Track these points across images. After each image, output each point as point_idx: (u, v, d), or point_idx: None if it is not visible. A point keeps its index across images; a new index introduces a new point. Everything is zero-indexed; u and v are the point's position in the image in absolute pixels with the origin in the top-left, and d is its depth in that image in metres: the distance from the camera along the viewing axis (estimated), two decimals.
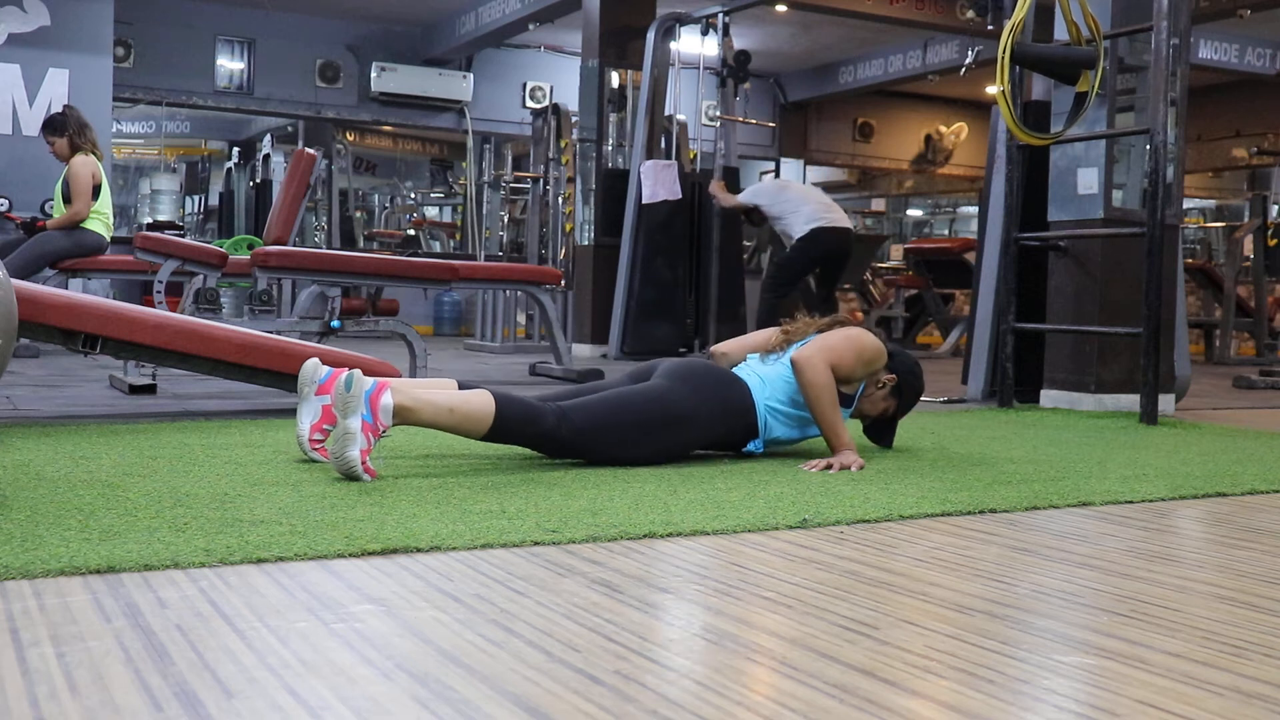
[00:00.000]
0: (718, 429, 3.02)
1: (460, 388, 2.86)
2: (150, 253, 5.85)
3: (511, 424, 2.72)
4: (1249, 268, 10.57)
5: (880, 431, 3.38)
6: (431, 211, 15.94)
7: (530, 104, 13.13)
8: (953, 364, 8.49)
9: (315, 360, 2.84)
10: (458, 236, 14.98)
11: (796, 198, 7.33)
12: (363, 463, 2.50)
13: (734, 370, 3.15)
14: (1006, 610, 1.66)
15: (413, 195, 15.94)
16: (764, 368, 3.15)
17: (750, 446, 3.09)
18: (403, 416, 2.60)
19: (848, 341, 3.11)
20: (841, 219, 7.31)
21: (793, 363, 3.04)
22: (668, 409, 2.90)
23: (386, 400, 2.56)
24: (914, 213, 19.82)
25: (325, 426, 2.76)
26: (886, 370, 3.24)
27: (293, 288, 8.17)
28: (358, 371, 2.58)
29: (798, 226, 7.18)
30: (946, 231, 18.92)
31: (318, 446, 2.76)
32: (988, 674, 1.35)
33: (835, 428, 3.03)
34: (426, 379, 3.02)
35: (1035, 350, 5.20)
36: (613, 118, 9.09)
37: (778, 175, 13.80)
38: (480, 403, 2.69)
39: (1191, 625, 1.60)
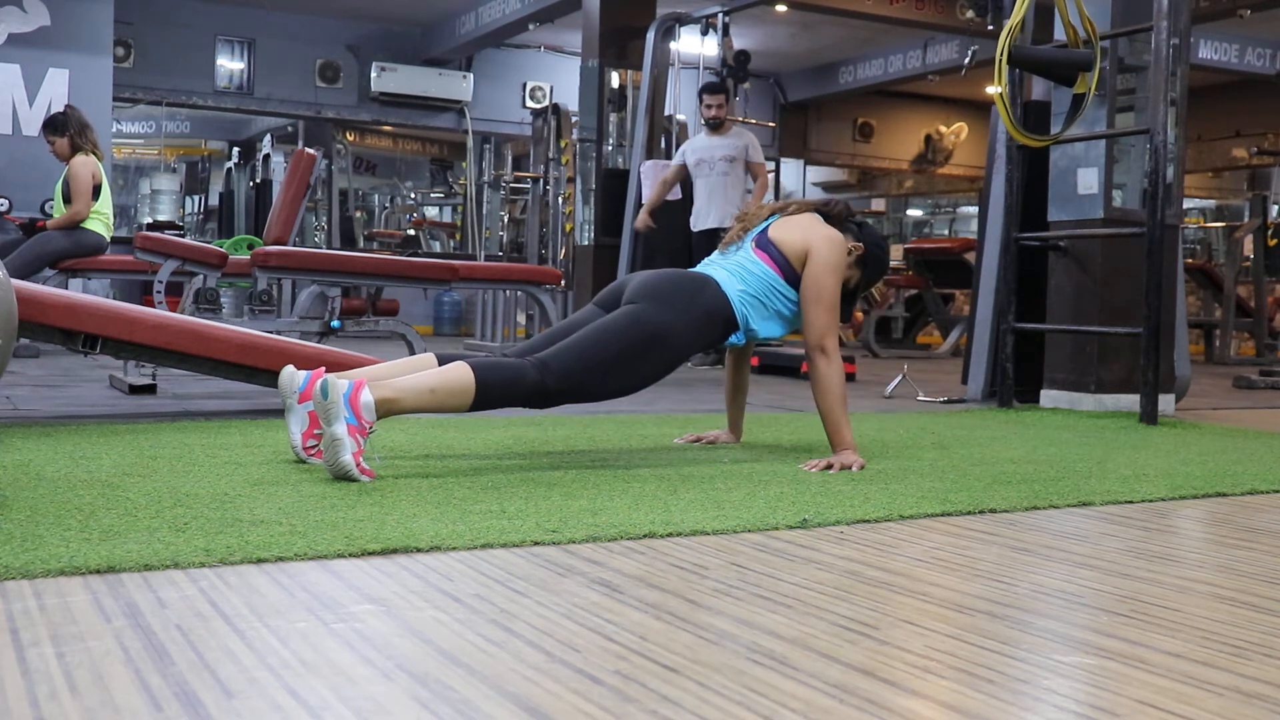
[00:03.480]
0: (699, 334, 3.01)
1: (440, 361, 2.84)
2: (150, 253, 5.85)
3: (494, 390, 2.71)
4: (1249, 268, 10.57)
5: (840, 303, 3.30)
6: (431, 211, 15.95)
7: (530, 104, 13.13)
8: (953, 364, 8.49)
9: (290, 368, 2.79)
10: (458, 236, 14.98)
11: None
12: (357, 465, 2.48)
13: (698, 270, 3.15)
14: (1006, 610, 1.66)
15: (413, 195, 15.94)
16: (727, 260, 3.16)
17: (733, 339, 3.10)
18: (385, 409, 2.59)
19: (829, 270, 3.08)
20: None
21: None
22: (646, 330, 2.89)
23: (366, 398, 2.53)
24: (914, 213, 19.81)
25: (316, 432, 2.72)
26: (854, 240, 3.22)
27: (293, 288, 8.17)
28: (330, 377, 2.53)
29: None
30: (946, 231, 18.92)
31: (313, 452, 2.74)
32: (988, 674, 1.35)
33: (839, 425, 3.03)
34: (404, 360, 3.00)
35: (1035, 350, 5.20)
36: (613, 118, 9.09)
37: (778, 176, 13.80)
38: (459, 376, 2.68)
39: (1191, 625, 1.60)
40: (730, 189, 7.03)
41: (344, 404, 2.49)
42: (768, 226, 3.19)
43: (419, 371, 2.79)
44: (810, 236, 3.13)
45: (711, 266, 3.15)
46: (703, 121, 7.22)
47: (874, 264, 3.27)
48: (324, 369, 2.80)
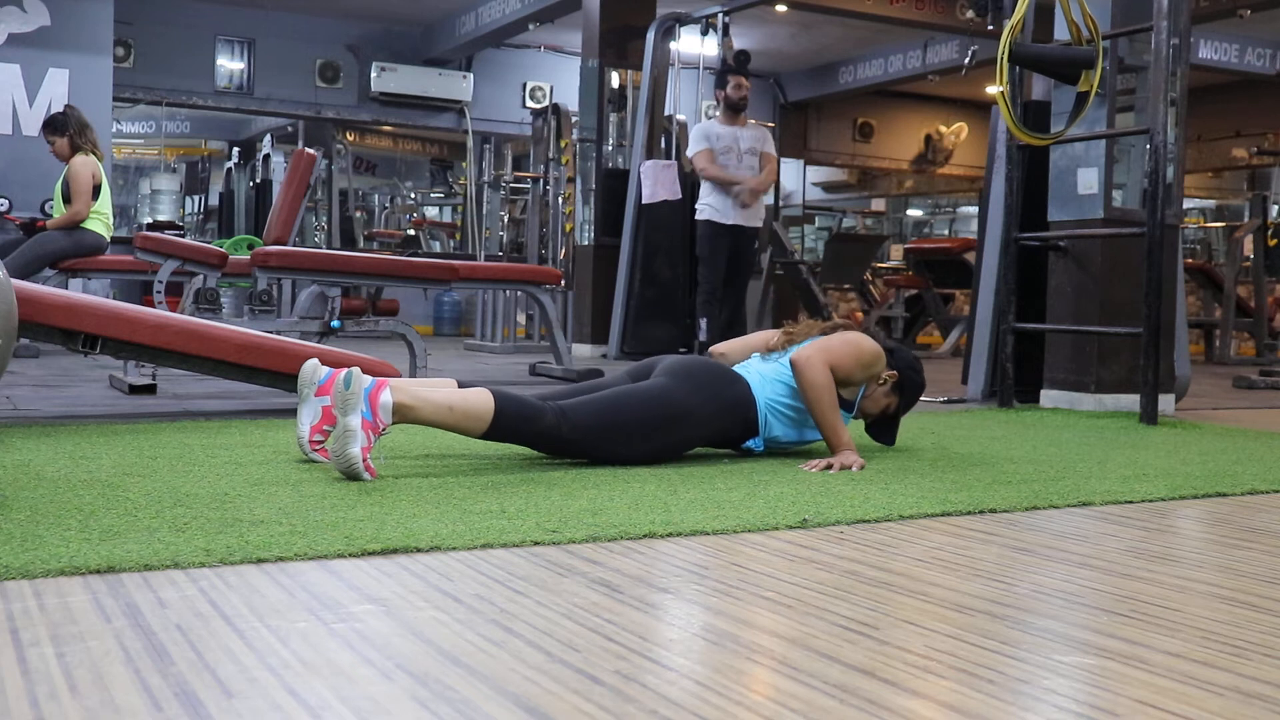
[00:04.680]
0: (718, 425, 3.02)
1: (460, 387, 2.86)
2: (150, 253, 5.85)
3: (510, 422, 2.73)
4: (1249, 268, 10.57)
5: (882, 429, 3.39)
6: (431, 211, 15.94)
7: (530, 104, 13.13)
8: (953, 364, 8.49)
9: (315, 361, 2.84)
10: (458, 236, 14.97)
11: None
12: (363, 460, 2.50)
13: (735, 368, 3.16)
14: (1006, 610, 1.66)
15: (413, 195, 15.93)
16: (765, 366, 3.16)
17: (750, 444, 3.10)
18: (402, 414, 2.60)
19: (847, 345, 3.12)
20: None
21: (791, 363, 3.04)
22: (668, 406, 2.91)
23: (386, 398, 2.56)
24: (914, 213, 19.81)
25: (325, 427, 2.76)
26: (887, 367, 3.25)
27: (293, 288, 8.17)
28: (357, 369, 2.58)
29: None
30: (946, 231, 18.91)
31: (318, 448, 2.77)
32: (988, 674, 1.35)
33: (835, 428, 3.03)
34: (426, 378, 3.03)
35: (1035, 350, 5.20)
36: (613, 118, 9.09)
37: (777, 176, 13.80)
38: (479, 401, 2.70)
39: (1191, 625, 1.60)
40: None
41: (364, 398, 2.52)
42: (809, 343, 3.20)
43: (441, 389, 2.81)
44: (847, 331, 3.20)
45: (748, 370, 3.16)
46: (726, 104, 6.89)
47: (911, 387, 3.33)
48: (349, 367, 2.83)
